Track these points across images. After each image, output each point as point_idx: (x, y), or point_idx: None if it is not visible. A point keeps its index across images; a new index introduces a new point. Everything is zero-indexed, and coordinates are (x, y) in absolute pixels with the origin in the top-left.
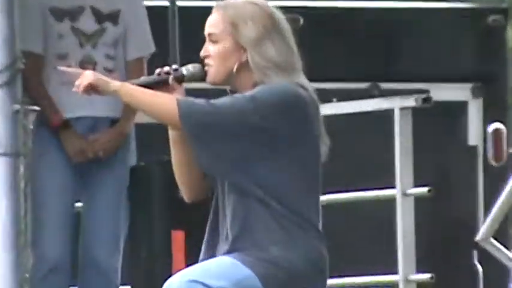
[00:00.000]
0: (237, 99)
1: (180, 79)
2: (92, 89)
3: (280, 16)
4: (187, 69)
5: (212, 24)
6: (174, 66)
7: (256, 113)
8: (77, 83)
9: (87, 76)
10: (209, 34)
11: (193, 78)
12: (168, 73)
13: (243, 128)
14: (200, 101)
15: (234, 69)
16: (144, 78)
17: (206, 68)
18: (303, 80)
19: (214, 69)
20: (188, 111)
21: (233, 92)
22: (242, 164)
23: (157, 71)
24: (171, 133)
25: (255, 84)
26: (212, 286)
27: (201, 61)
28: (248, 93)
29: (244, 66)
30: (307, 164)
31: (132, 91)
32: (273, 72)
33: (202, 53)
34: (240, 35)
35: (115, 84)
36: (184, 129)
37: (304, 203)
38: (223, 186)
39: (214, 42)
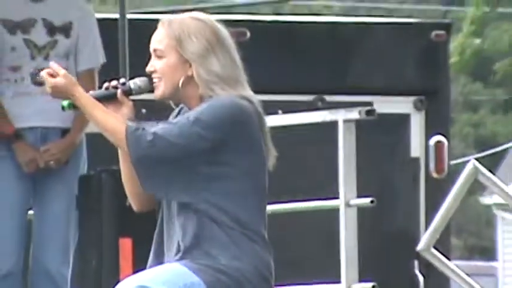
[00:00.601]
0: (183, 126)
1: (128, 93)
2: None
3: (224, 31)
4: (135, 83)
5: (157, 40)
6: (122, 80)
7: (201, 136)
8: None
9: (58, 77)
10: (154, 50)
11: (140, 91)
12: (115, 87)
13: (190, 156)
14: (147, 132)
15: (180, 84)
16: (92, 93)
17: (153, 82)
18: (247, 92)
19: (160, 83)
20: (135, 144)
21: (177, 105)
22: (190, 188)
23: (105, 85)
24: (121, 151)
25: (201, 98)
26: None
27: (148, 75)
28: (192, 114)
29: (189, 80)
30: (254, 176)
31: (87, 105)
32: (217, 85)
33: (148, 69)
34: (184, 50)
35: (79, 91)
36: (130, 159)
37: (253, 216)
38: (171, 202)
39: (160, 57)
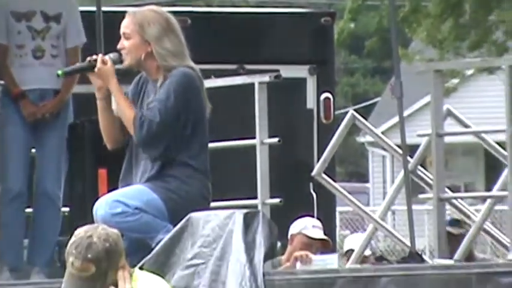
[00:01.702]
0: (161, 107)
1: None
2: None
3: (173, 19)
4: (110, 56)
5: (125, 26)
6: (100, 55)
7: (173, 108)
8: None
9: (106, 67)
10: (123, 33)
11: (113, 63)
12: (95, 60)
13: (172, 127)
14: (146, 119)
15: (142, 57)
16: (79, 64)
17: (123, 56)
18: (190, 63)
19: (127, 57)
20: (138, 130)
21: (139, 72)
22: (172, 148)
23: (88, 58)
24: (99, 102)
25: (158, 67)
26: (130, 204)
27: (118, 51)
28: (163, 95)
29: (149, 55)
30: (204, 125)
31: (116, 98)
32: (170, 58)
33: (119, 46)
34: (145, 34)
35: (113, 81)
36: (136, 141)
37: (204, 155)
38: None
39: (127, 38)
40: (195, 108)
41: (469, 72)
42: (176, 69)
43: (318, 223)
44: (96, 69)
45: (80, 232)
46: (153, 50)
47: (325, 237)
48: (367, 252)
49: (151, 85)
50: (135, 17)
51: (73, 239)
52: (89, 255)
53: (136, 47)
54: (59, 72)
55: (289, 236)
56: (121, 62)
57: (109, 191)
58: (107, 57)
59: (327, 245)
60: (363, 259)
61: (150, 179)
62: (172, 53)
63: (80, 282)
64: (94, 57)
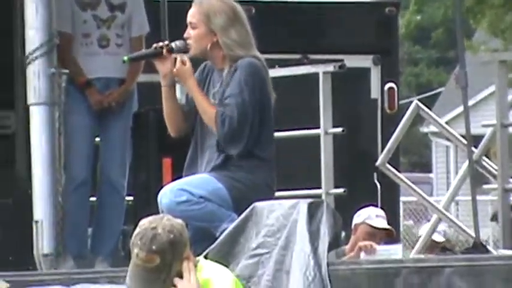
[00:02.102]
0: (237, 102)
1: (171, 51)
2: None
3: (239, 9)
4: (176, 44)
5: (191, 15)
6: (166, 42)
7: (247, 101)
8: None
9: (185, 68)
10: (189, 22)
11: (179, 51)
12: (161, 47)
13: (249, 118)
14: (226, 116)
15: (208, 47)
16: (144, 50)
17: (188, 45)
18: (256, 52)
19: (193, 46)
20: (220, 126)
21: (204, 60)
22: (250, 140)
23: (154, 45)
24: (164, 89)
25: (223, 57)
26: (195, 193)
27: (184, 39)
28: (236, 89)
29: (215, 44)
30: (270, 115)
31: (196, 97)
32: (236, 48)
33: (185, 35)
34: (211, 23)
35: (191, 80)
36: (219, 138)
37: (270, 145)
38: (204, 129)
39: (193, 28)
40: (262, 99)
41: None
42: (242, 59)
43: (382, 213)
44: (175, 70)
45: (145, 223)
46: (219, 40)
47: (388, 226)
48: (440, 239)
49: (216, 74)
50: (201, 7)
51: (138, 230)
52: (154, 247)
53: (202, 37)
54: (125, 58)
55: (352, 226)
56: (187, 50)
57: (173, 180)
58: (173, 44)
59: (390, 235)
60: (433, 244)
61: (215, 168)
62: (239, 43)
63: (144, 273)
64: (160, 44)
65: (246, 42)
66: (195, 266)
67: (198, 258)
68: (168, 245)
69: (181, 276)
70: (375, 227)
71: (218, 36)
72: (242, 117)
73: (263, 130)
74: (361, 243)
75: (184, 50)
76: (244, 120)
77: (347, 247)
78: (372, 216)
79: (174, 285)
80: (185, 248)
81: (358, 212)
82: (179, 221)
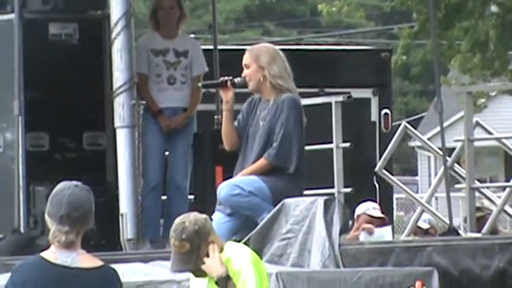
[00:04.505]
0: (293, 136)
1: (233, 84)
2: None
3: (278, 50)
4: (237, 79)
5: (245, 58)
6: (231, 77)
7: (299, 128)
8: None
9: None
10: (244, 64)
11: (240, 85)
12: (226, 81)
13: (296, 141)
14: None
15: (261, 80)
16: (213, 81)
17: (246, 82)
18: (293, 85)
19: (250, 82)
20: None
21: (257, 92)
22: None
23: (221, 78)
24: (225, 114)
25: (271, 87)
26: (244, 188)
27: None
28: (283, 128)
29: (265, 78)
30: (303, 136)
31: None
32: (277, 80)
33: (243, 75)
34: (259, 61)
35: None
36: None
37: (303, 159)
38: (251, 143)
39: (247, 68)
40: (301, 125)
41: (493, 93)
42: (286, 93)
43: (377, 205)
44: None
45: (177, 220)
46: (266, 75)
47: (382, 215)
48: (426, 226)
49: (262, 105)
50: (251, 51)
51: (173, 226)
52: (183, 236)
53: (255, 72)
54: (199, 84)
55: (355, 216)
56: (246, 85)
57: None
58: (236, 80)
59: (384, 222)
60: (419, 230)
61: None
62: (279, 76)
63: (180, 256)
64: (226, 78)
65: (284, 76)
66: (222, 248)
67: (224, 243)
68: (194, 233)
69: (208, 256)
70: (372, 216)
71: (266, 71)
72: (289, 140)
73: (299, 147)
74: (365, 225)
75: (244, 85)
76: (292, 142)
77: (351, 232)
78: (369, 208)
79: (203, 263)
80: (209, 235)
81: (359, 206)
82: (203, 215)
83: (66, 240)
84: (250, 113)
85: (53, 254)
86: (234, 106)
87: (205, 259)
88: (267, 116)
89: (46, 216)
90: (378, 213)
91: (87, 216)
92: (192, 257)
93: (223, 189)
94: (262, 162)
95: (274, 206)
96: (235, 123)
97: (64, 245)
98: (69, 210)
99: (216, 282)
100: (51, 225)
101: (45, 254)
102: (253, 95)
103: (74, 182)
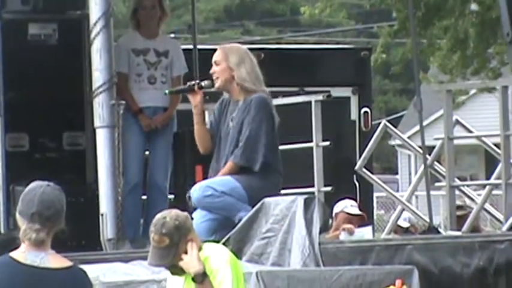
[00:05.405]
0: (258, 135)
1: (201, 87)
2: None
3: (250, 53)
4: (204, 83)
5: (216, 55)
6: (197, 81)
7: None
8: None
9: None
10: (214, 61)
11: (207, 87)
12: (193, 84)
13: (264, 140)
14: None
15: (228, 80)
16: (181, 86)
17: (213, 83)
18: (263, 87)
19: (217, 80)
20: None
21: (225, 91)
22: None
23: (188, 83)
24: (195, 117)
25: (239, 88)
26: (217, 189)
27: (211, 79)
28: (253, 129)
29: (232, 79)
30: (277, 134)
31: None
32: (247, 82)
33: (211, 71)
34: (229, 62)
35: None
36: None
37: (277, 156)
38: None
39: (217, 65)
40: (271, 123)
41: (473, 91)
42: (255, 93)
43: (355, 203)
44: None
45: (158, 215)
46: (234, 75)
47: (361, 212)
48: (406, 225)
49: (232, 105)
50: (222, 49)
51: (153, 221)
52: (163, 231)
53: (224, 72)
54: (166, 91)
55: (333, 215)
56: (213, 86)
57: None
58: (202, 83)
59: (363, 219)
60: (399, 228)
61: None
62: (249, 79)
63: (159, 250)
64: (192, 82)
65: (254, 78)
66: (200, 248)
67: (202, 243)
68: (174, 228)
69: (186, 253)
70: (351, 214)
71: (234, 72)
72: (254, 140)
73: (271, 145)
74: (345, 226)
75: (210, 86)
76: (257, 142)
77: (330, 231)
78: (347, 206)
79: (181, 259)
80: (189, 233)
81: (337, 204)
82: (184, 213)
83: (37, 238)
84: (222, 113)
85: (22, 254)
86: (204, 108)
87: (183, 256)
88: (237, 117)
89: (17, 215)
90: (356, 210)
91: (58, 215)
92: (170, 252)
93: (196, 191)
94: (229, 164)
95: (251, 204)
96: (208, 125)
97: (34, 243)
98: (41, 208)
99: (193, 279)
100: (22, 223)
101: (14, 254)
102: (222, 94)
103: (46, 182)
